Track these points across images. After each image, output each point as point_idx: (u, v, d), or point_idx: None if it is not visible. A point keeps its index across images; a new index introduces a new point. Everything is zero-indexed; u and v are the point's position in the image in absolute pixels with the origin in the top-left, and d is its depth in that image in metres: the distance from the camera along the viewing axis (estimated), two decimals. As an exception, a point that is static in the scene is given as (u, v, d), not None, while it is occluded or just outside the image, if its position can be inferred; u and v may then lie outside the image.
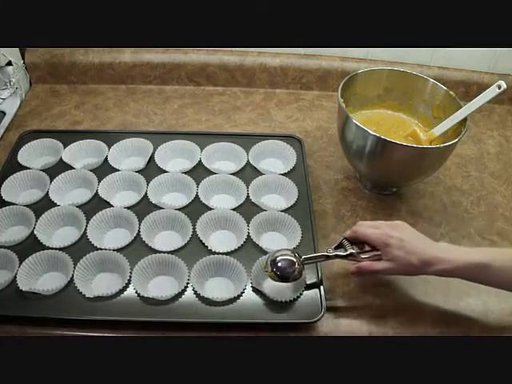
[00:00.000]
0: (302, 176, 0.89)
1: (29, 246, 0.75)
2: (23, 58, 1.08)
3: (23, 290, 0.69)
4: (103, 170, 0.88)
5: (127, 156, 0.93)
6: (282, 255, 0.69)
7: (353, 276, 0.72)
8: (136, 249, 0.76)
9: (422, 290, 0.76)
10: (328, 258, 0.71)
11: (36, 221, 0.78)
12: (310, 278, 0.73)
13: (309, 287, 0.72)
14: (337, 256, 0.71)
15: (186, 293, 0.71)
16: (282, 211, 0.82)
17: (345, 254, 0.70)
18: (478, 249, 0.73)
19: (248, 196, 0.85)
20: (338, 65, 1.11)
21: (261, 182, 0.87)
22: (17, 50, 1.06)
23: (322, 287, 0.72)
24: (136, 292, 0.71)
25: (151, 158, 0.91)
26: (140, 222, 0.79)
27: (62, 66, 1.09)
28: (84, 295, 0.70)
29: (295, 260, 0.69)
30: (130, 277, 0.72)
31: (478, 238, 0.84)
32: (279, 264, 0.68)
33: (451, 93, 0.85)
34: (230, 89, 1.14)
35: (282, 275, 0.68)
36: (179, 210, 0.81)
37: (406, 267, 0.67)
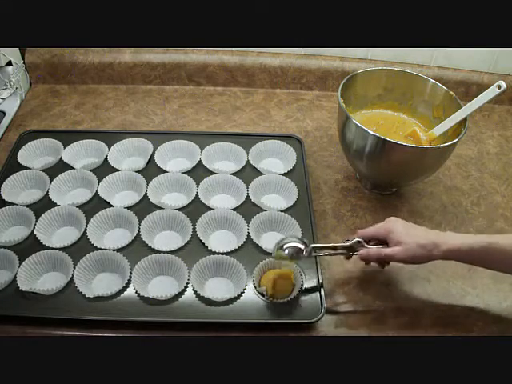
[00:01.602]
0: (302, 176, 0.89)
1: (29, 246, 0.75)
2: (23, 58, 1.08)
3: (23, 289, 0.69)
4: (103, 170, 0.88)
5: (127, 156, 0.93)
6: (289, 242, 0.69)
7: (361, 260, 0.71)
8: (136, 249, 0.76)
9: (422, 290, 0.76)
10: (335, 248, 0.71)
11: (36, 221, 0.78)
12: (310, 278, 0.73)
13: (309, 288, 0.72)
14: (344, 247, 0.70)
15: (185, 293, 0.71)
16: (281, 211, 0.82)
17: (351, 241, 0.70)
18: (479, 234, 0.72)
19: (248, 196, 0.85)
20: (338, 65, 1.11)
21: (261, 182, 0.87)
22: (17, 50, 1.06)
23: (322, 287, 0.72)
24: (136, 292, 0.71)
25: (151, 158, 0.91)
26: (140, 222, 0.79)
27: (62, 66, 1.09)
28: (84, 295, 0.70)
29: (303, 247, 0.69)
30: (130, 277, 0.72)
31: (478, 238, 0.84)
32: (286, 251, 0.68)
33: (451, 93, 0.85)
34: (229, 89, 1.14)
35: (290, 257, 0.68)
36: (179, 209, 0.81)
37: (415, 249, 0.66)
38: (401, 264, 0.79)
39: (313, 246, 0.70)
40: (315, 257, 0.75)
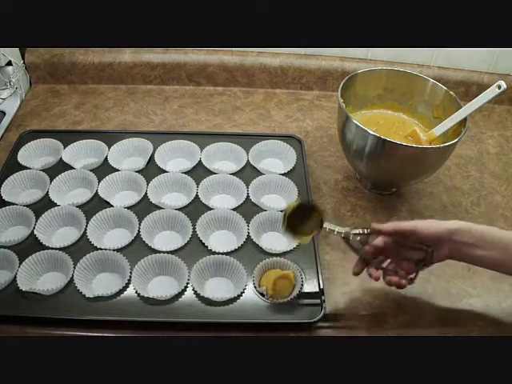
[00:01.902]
0: (302, 176, 0.89)
1: (29, 246, 0.75)
2: (23, 58, 1.08)
3: (23, 289, 0.69)
4: (103, 170, 0.88)
5: (127, 156, 0.93)
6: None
7: (376, 229, 0.67)
8: (136, 249, 0.76)
9: (422, 290, 0.76)
10: (344, 235, 0.67)
11: (36, 221, 0.78)
12: (310, 278, 0.73)
13: (309, 288, 0.72)
14: (360, 234, 0.67)
15: (185, 293, 0.71)
16: (282, 211, 0.82)
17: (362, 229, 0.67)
18: None
19: (248, 196, 0.85)
20: (338, 65, 1.11)
21: (261, 182, 0.87)
22: (17, 50, 1.06)
23: (322, 288, 0.72)
24: (136, 292, 0.71)
25: (151, 158, 0.91)
26: (140, 222, 0.79)
27: (62, 66, 1.09)
28: (84, 295, 0.70)
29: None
30: (130, 277, 0.72)
31: (478, 238, 0.84)
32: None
33: (451, 93, 0.85)
34: (229, 89, 1.14)
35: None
36: (179, 210, 0.81)
37: (431, 220, 0.65)
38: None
39: (325, 225, 0.67)
40: (315, 257, 0.76)
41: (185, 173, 0.88)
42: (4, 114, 1.02)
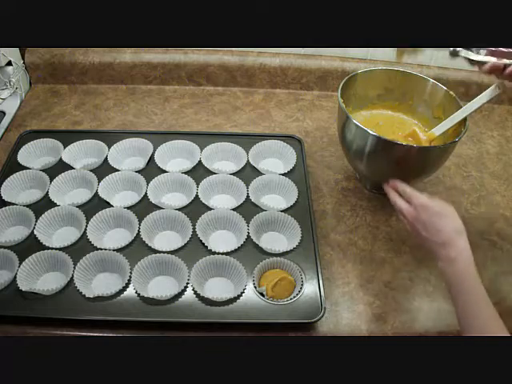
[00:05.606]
0: (302, 176, 0.89)
1: (29, 246, 0.75)
2: (23, 58, 1.08)
3: (23, 290, 0.69)
4: (103, 170, 0.88)
5: (127, 156, 0.93)
6: None
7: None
8: (136, 249, 0.76)
9: (422, 289, 0.76)
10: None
11: (36, 221, 0.78)
12: (310, 278, 0.73)
13: (308, 288, 0.72)
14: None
15: (185, 293, 0.71)
16: (282, 211, 0.82)
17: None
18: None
19: (248, 196, 0.85)
20: (338, 65, 1.11)
21: (261, 182, 0.87)
22: (17, 50, 1.06)
23: (321, 287, 0.72)
24: (136, 292, 0.71)
25: (151, 158, 0.91)
26: (140, 222, 0.79)
27: (62, 66, 1.09)
28: (84, 295, 0.70)
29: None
30: (130, 277, 0.72)
31: (478, 238, 0.84)
32: None
33: (451, 93, 0.85)
34: (229, 89, 1.14)
35: None
36: (179, 210, 0.81)
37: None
38: (400, 264, 0.79)
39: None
40: (315, 257, 0.76)
41: (185, 173, 0.88)
42: (4, 114, 1.02)
